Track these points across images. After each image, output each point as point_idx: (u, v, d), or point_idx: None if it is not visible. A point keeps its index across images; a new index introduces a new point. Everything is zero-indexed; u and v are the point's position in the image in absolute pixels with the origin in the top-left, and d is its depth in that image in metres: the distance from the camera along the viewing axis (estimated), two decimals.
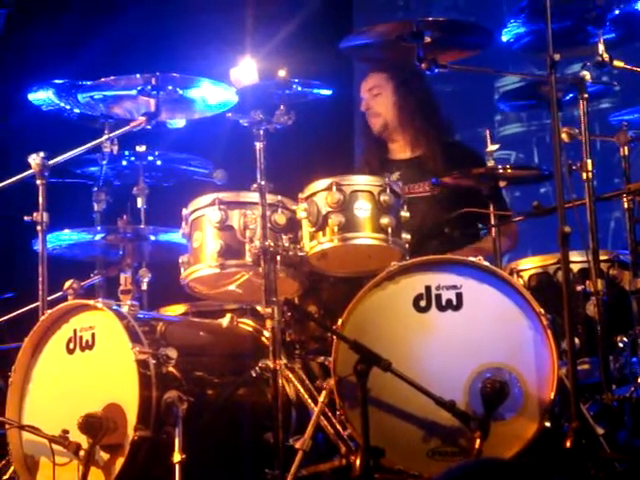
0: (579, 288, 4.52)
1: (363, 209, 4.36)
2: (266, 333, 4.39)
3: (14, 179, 4.80)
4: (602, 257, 4.48)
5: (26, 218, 4.71)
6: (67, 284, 4.77)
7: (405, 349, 4.12)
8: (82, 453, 4.10)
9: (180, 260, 4.50)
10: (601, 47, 4.39)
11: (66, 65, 6.20)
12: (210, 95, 4.77)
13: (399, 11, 7.65)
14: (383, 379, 4.02)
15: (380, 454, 3.91)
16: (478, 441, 3.92)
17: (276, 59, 4.66)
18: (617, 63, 4.43)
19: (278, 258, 4.33)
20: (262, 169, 4.37)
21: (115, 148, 4.85)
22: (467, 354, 4.09)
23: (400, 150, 5.41)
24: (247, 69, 4.56)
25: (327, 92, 4.59)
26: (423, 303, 4.16)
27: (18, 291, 5.49)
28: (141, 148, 5.13)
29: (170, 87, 4.70)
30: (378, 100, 5.38)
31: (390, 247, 4.35)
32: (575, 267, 4.55)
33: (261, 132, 4.38)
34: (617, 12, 4.45)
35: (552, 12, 4.15)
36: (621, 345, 4.48)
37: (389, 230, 4.33)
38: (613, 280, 4.63)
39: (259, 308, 4.46)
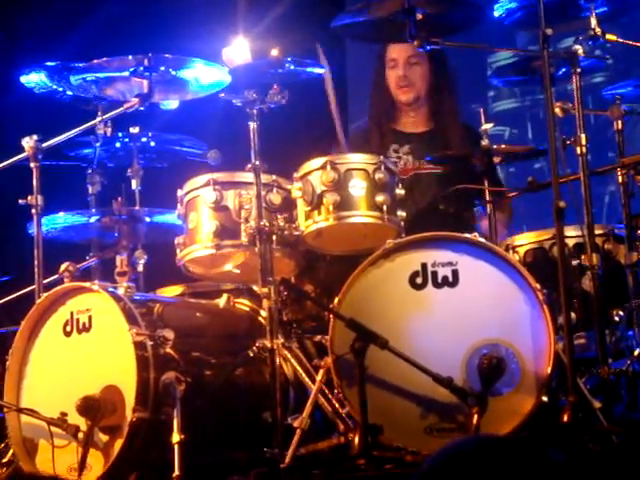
0: (575, 263, 4.53)
1: (358, 187, 4.36)
2: (263, 313, 4.40)
3: (7, 162, 4.80)
4: (597, 231, 4.48)
5: (20, 201, 4.70)
6: (63, 267, 4.76)
7: (402, 326, 4.13)
8: (81, 435, 4.11)
9: (176, 241, 4.51)
10: (593, 21, 4.39)
11: (58, 47, 6.18)
12: (203, 75, 4.75)
13: None
14: (380, 357, 4.02)
15: (378, 431, 3.92)
16: (476, 417, 3.93)
17: (269, 38, 4.64)
18: (609, 37, 4.42)
19: (274, 238, 4.33)
20: (256, 149, 4.36)
21: (108, 130, 4.84)
22: (464, 330, 4.10)
23: (413, 125, 5.38)
24: (240, 48, 4.55)
25: (320, 71, 4.58)
26: (419, 280, 4.17)
27: (14, 274, 5.49)
28: (135, 130, 5.11)
29: (163, 68, 4.68)
30: (416, 70, 5.28)
31: (386, 225, 4.35)
32: (570, 242, 4.56)
33: (255, 112, 4.38)
34: None
35: None
36: (617, 319, 4.49)
37: (384, 208, 4.33)
38: (608, 254, 4.64)
39: (255, 288, 4.47)
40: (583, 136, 4.28)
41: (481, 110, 4.80)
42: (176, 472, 3.96)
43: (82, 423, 4.13)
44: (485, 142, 4.67)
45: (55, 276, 4.80)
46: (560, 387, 4.15)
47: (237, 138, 4.49)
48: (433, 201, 5.11)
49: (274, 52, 4.41)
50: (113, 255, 4.85)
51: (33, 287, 4.68)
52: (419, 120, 5.36)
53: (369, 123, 5.40)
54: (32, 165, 4.68)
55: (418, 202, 5.06)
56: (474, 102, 6.58)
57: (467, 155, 4.84)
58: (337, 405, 4.16)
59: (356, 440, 3.89)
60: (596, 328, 4.23)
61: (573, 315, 4.34)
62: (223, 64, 4.59)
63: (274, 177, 4.44)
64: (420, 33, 4.37)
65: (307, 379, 4.26)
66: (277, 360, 4.22)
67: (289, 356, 4.30)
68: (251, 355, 4.29)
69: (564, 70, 4.50)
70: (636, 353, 4.36)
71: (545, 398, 4.03)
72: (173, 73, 4.72)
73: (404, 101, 5.32)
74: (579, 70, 4.33)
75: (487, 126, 4.70)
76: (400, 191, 4.42)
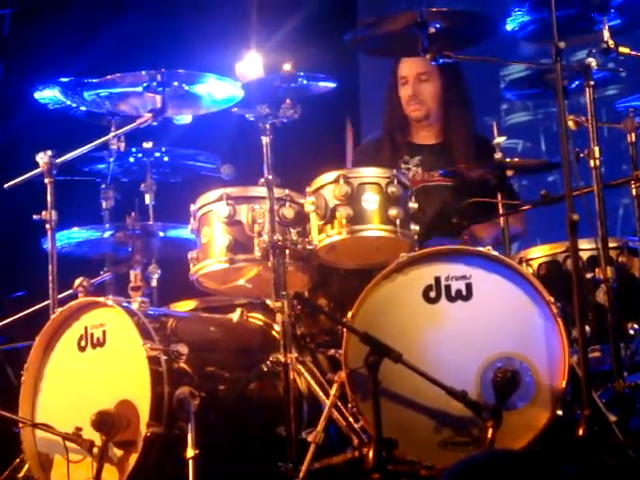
0: (589, 276, 4.51)
1: (371, 201, 4.36)
2: (276, 327, 4.40)
3: (22, 178, 4.82)
4: (611, 244, 4.46)
5: (35, 217, 4.72)
6: (77, 282, 4.77)
7: (415, 340, 4.13)
8: (95, 450, 4.11)
9: (189, 256, 4.51)
10: (606, 34, 4.38)
11: (71, 63, 6.20)
12: (216, 90, 4.76)
13: (403, 3, 7.64)
14: (394, 371, 4.02)
15: (392, 446, 3.92)
16: (490, 431, 3.92)
17: (281, 53, 4.66)
18: (623, 49, 4.41)
19: (287, 252, 4.34)
20: (269, 163, 4.37)
21: (122, 145, 4.86)
22: (478, 344, 4.09)
23: (425, 137, 5.39)
24: (252, 63, 4.57)
25: (332, 85, 4.58)
26: (433, 294, 4.16)
27: (28, 290, 5.50)
28: (148, 144, 5.12)
29: (176, 83, 4.70)
30: (426, 86, 5.31)
31: (399, 238, 4.35)
32: (584, 255, 4.54)
33: (267, 126, 4.38)
34: None
35: (556, 0, 4.14)
36: (632, 332, 4.47)
37: (397, 222, 4.33)
38: (623, 267, 4.61)
39: (269, 302, 4.47)
40: (596, 149, 4.27)
41: (494, 123, 4.80)
42: None
43: (97, 438, 4.13)
44: (498, 155, 4.67)
45: (69, 291, 4.81)
46: (575, 401, 4.14)
47: (250, 152, 4.50)
48: (446, 214, 5.11)
49: (287, 67, 4.42)
50: (127, 270, 4.87)
51: (47, 302, 4.68)
52: (432, 133, 5.38)
53: (382, 134, 5.42)
54: (46, 180, 4.70)
55: (427, 214, 5.06)
56: (487, 115, 6.58)
57: (479, 169, 4.85)
58: (351, 419, 4.15)
59: (370, 454, 3.88)
60: (611, 341, 4.21)
61: (587, 328, 4.33)
62: (236, 79, 4.60)
63: (287, 191, 4.44)
64: (433, 47, 4.38)
65: (321, 393, 4.26)
66: (291, 374, 4.22)
67: (303, 370, 4.30)
68: (265, 369, 4.29)
69: (577, 83, 4.49)
70: None
71: (560, 412, 4.02)
72: (186, 88, 4.74)
73: (414, 118, 5.35)
74: (592, 83, 4.32)
75: (500, 139, 4.70)
76: (413, 205, 4.42)
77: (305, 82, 4.47)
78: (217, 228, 4.45)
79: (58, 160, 4.70)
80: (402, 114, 5.38)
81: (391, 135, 5.38)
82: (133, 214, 4.93)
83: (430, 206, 5.11)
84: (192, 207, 4.55)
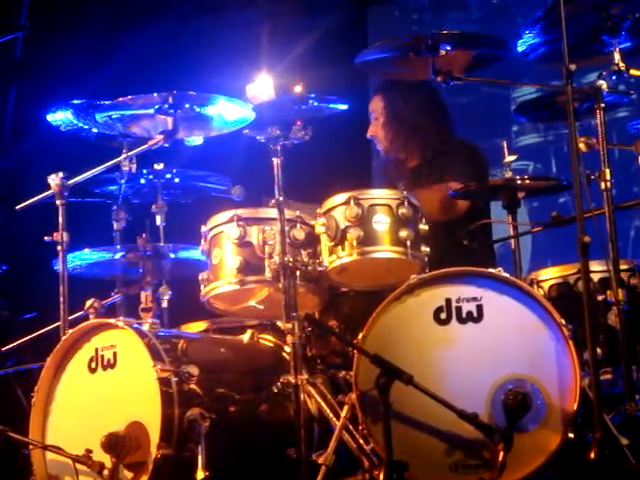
0: (600, 298, 4.50)
1: (382, 222, 4.36)
2: (287, 348, 4.40)
3: (34, 199, 4.83)
4: (622, 266, 4.45)
5: (46, 238, 4.73)
6: (88, 303, 4.78)
7: (426, 362, 4.12)
8: (106, 472, 4.11)
9: (200, 277, 4.51)
10: (617, 56, 4.39)
11: (84, 85, 6.23)
12: (227, 112, 4.78)
13: (413, 25, 7.66)
14: (405, 393, 4.01)
15: (403, 468, 3.90)
16: (501, 453, 3.90)
17: (292, 75, 4.67)
18: (633, 72, 4.42)
19: (298, 273, 4.34)
20: (280, 185, 4.38)
21: (133, 167, 4.87)
22: (489, 366, 4.08)
23: (409, 161, 5.40)
24: (263, 85, 4.58)
25: (343, 107, 4.59)
26: (444, 316, 4.16)
27: (39, 311, 5.50)
28: (159, 166, 5.14)
29: (187, 105, 4.71)
30: (377, 123, 5.37)
31: (409, 260, 4.35)
32: (595, 277, 4.54)
33: (278, 148, 4.39)
34: (633, 19, 4.44)
35: (567, 22, 4.15)
36: None
37: (408, 243, 4.33)
38: (634, 289, 4.61)
39: (280, 324, 4.47)
40: (607, 171, 4.27)
41: (504, 143, 4.80)
42: None
43: (107, 460, 4.12)
44: (508, 174, 4.67)
45: (80, 313, 4.81)
46: (587, 424, 4.12)
47: (261, 174, 4.51)
48: (456, 236, 5.11)
49: (297, 88, 4.43)
50: (138, 291, 4.87)
51: (58, 324, 4.68)
52: (412, 156, 5.37)
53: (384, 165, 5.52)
54: (58, 202, 4.71)
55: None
56: (498, 137, 6.59)
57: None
58: (362, 441, 4.14)
59: (381, 477, 3.87)
60: (622, 364, 4.19)
61: (599, 351, 4.32)
62: (247, 101, 4.62)
63: (298, 213, 4.45)
64: (443, 69, 4.39)
65: (332, 415, 4.25)
66: (301, 396, 4.21)
67: (313, 392, 4.29)
68: (275, 391, 4.29)
69: (588, 105, 4.49)
70: None
71: (571, 435, 4.00)
72: (197, 110, 4.76)
73: (382, 155, 5.40)
74: (603, 105, 4.32)
75: (510, 158, 4.70)
76: (424, 226, 4.42)
77: (316, 104, 4.48)
78: (228, 249, 4.45)
79: (70, 182, 4.72)
80: None
81: (388, 164, 5.43)
82: (144, 235, 4.93)
83: None
84: (203, 228, 4.56)
